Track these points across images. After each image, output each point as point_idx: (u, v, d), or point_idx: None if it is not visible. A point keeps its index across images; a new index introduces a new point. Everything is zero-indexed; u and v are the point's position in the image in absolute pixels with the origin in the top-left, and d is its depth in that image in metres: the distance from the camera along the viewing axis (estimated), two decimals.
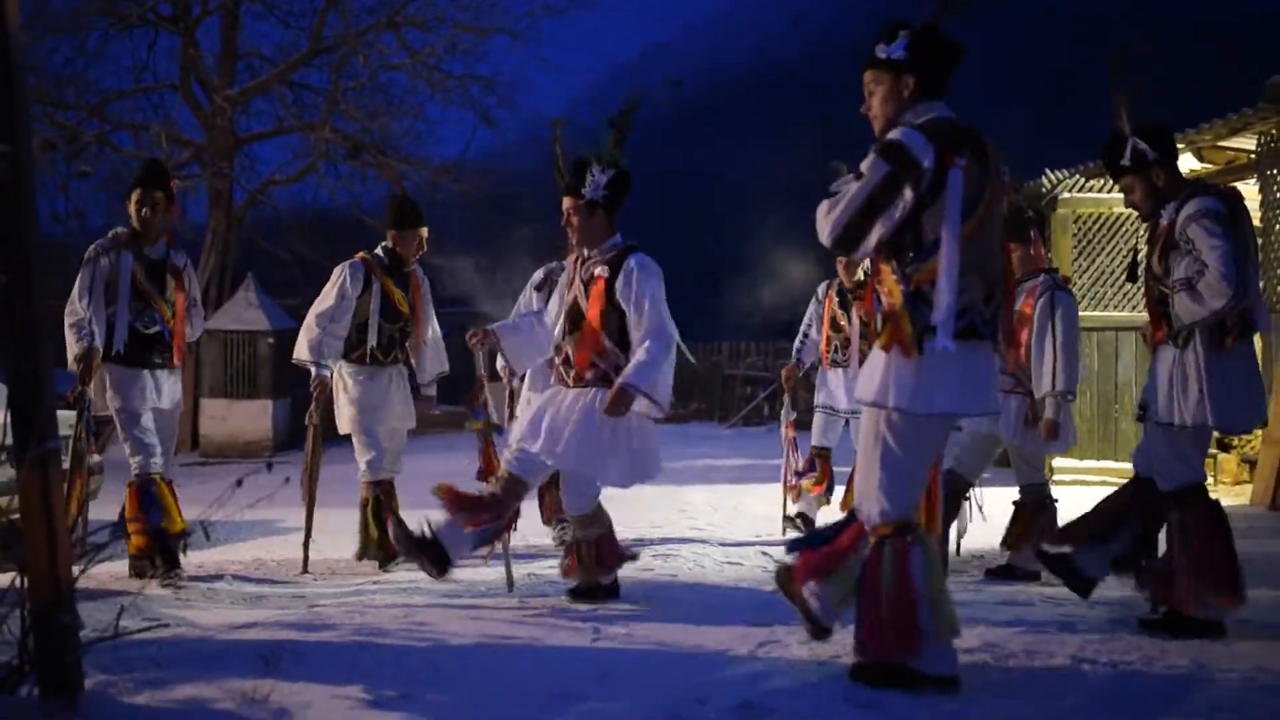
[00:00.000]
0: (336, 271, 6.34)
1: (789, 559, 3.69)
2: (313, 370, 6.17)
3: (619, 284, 4.77)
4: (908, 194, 3.35)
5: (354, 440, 6.33)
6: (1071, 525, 4.74)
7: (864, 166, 3.40)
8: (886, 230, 3.39)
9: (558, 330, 5.00)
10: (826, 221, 3.45)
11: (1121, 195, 4.69)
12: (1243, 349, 4.39)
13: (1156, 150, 4.43)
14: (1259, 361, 4.54)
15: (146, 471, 5.75)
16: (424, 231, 6.47)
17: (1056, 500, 6.00)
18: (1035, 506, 5.89)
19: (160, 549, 5.68)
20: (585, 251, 4.91)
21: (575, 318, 4.88)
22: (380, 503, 6.28)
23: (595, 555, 4.98)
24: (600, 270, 4.80)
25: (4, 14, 2.81)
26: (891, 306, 3.41)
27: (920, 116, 3.46)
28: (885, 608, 3.33)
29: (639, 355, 4.70)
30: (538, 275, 6.65)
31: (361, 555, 6.33)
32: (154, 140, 6.56)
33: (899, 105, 3.54)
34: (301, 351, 6.25)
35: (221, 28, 17.50)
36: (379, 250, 6.45)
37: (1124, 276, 9.99)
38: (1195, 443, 4.42)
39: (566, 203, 4.90)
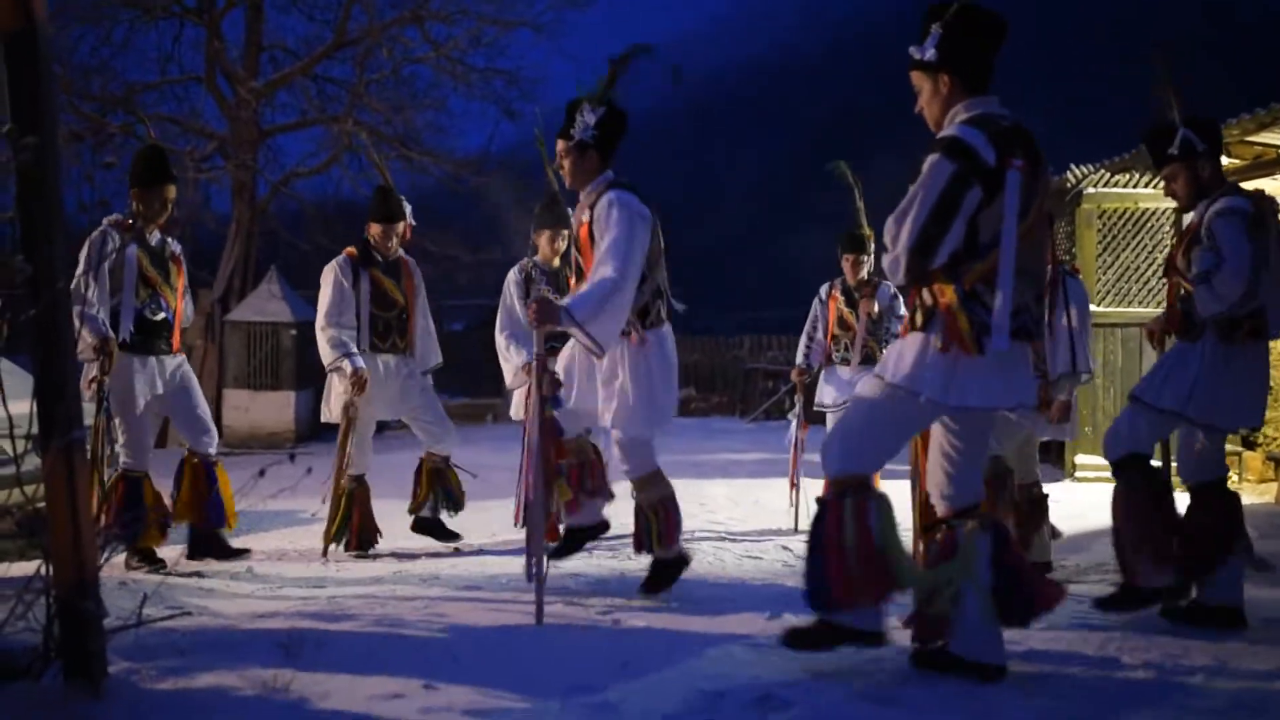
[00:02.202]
0: (326, 270, 6.47)
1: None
2: (346, 366, 6.23)
3: (594, 221, 4.57)
4: (977, 191, 3.29)
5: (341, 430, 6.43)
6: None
7: (926, 167, 3.35)
8: (960, 232, 3.32)
9: (572, 281, 4.89)
10: (901, 235, 3.38)
11: (1147, 190, 4.70)
12: (1252, 348, 4.41)
13: (1205, 142, 4.45)
14: (1268, 366, 4.55)
15: (135, 468, 5.81)
16: (401, 226, 6.51)
17: (1048, 495, 5.99)
18: (1028, 504, 5.85)
19: (125, 539, 5.75)
20: (580, 196, 4.74)
21: (578, 266, 4.76)
22: (354, 496, 6.41)
23: (662, 520, 4.79)
24: (585, 214, 4.65)
25: (32, 5, 2.83)
26: (947, 306, 3.36)
27: (970, 112, 3.42)
28: (851, 560, 3.35)
29: (584, 285, 4.47)
30: (514, 275, 6.48)
31: (326, 546, 6.39)
32: (149, 134, 6.57)
33: (943, 105, 3.49)
34: (327, 353, 6.34)
35: (246, 20, 17.56)
36: (364, 242, 6.54)
37: (1149, 272, 9.95)
38: (1155, 423, 4.48)
39: (559, 145, 4.73)
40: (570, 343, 4.81)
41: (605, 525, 5.04)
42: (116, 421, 5.79)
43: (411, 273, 6.60)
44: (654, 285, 4.69)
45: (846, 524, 3.37)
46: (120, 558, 5.69)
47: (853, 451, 3.46)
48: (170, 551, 5.85)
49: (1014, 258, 3.31)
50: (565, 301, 4.41)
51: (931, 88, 3.51)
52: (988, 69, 3.49)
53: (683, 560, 4.93)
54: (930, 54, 3.47)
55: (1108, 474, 9.31)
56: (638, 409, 4.63)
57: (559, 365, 4.88)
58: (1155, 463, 4.60)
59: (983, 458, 3.62)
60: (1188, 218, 4.61)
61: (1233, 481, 4.59)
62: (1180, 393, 4.38)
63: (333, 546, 6.37)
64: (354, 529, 6.38)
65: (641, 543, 4.85)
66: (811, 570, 3.45)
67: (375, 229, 6.50)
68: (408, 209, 6.56)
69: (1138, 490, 4.44)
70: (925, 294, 3.43)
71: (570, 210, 4.95)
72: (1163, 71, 4.52)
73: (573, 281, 4.84)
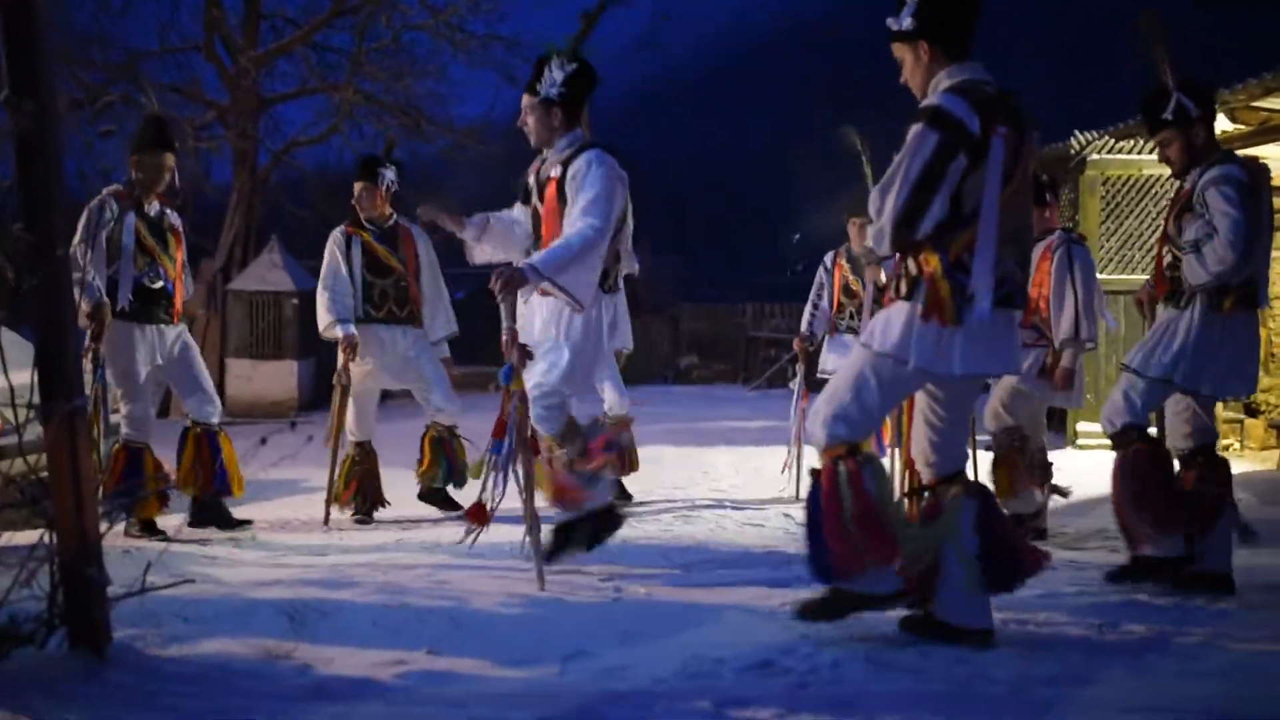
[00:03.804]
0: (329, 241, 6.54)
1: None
2: (339, 332, 6.25)
3: (568, 178, 4.41)
4: (962, 159, 3.29)
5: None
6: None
7: (910, 137, 3.34)
8: (944, 201, 3.31)
9: (527, 242, 4.72)
10: (886, 206, 3.36)
11: (1151, 157, 4.69)
12: (1240, 317, 4.42)
13: (1200, 107, 4.43)
14: (1258, 335, 4.56)
15: (135, 438, 5.82)
16: (359, 186, 6.47)
17: (1053, 463, 6.00)
18: (1014, 451, 5.85)
19: (127, 508, 5.76)
20: (544, 153, 4.60)
21: (537, 226, 4.61)
22: (356, 463, 6.42)
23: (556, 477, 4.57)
24: (555, 171, 4.48)
25: None
26: (930, 275, 3.36)
27: (953, 79, 3.40)
28: (853, 525, 3.35)
29: (555, 240, 4.37)
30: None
31: (339, 505, 6.42)
32: (150, 103, 6.54)
33: (926, 74, 3.47)
34: (321, 319, 6.40)
35: None
36: (352, 208, 6.56)
37: (1152, 239, 9.91)
38: (1147, 392, 4.48)
39: (524, 100, 4.58)
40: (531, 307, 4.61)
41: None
42: (119, 391, 5.80)
43: (412, 239, 6.57)
44: (615, 250, 4.57)
45: (842, 490, 3.38)
46: (120, 527, 5.71)
47: (840, 418, 3.46)
48: (172, 520, 5.87)
49: (996, 226, 3.31)
50: (532, 259, 4.29)
51: (912, 58, 3.49)
52: (968, 34, 3.47)
53: (613, 515, 4.70)
54: (908, 23, 3.46)
55: (1108, 441, 9.33)
56: (564, 364, 4.47)
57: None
58: (1152, 431, 4.61)
59: (966, 425, 3.64)
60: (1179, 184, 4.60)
61: (1235, 449, 4.62)
62: (1168, 360, 4.41)
63: (336, 514, 6.39)
64: (356, 493, 6.40)
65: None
66: (813, 541, 3.45)
67: (355, 189, 6.53)
68: (389, 171, 6.50)
69: (1141, 460, 4.44)
70: (911, 263, 3.43)
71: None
72: (1153, 36, 4.49)
73: (533, 238, 4.70)
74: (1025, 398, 5.82)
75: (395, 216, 6.56)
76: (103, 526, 2.95)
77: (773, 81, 51.77)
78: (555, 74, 4.47)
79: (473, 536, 4.46)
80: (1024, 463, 5.78)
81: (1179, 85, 4.44)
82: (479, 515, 4.36)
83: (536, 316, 4.56)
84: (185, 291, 6.17)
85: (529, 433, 4.43)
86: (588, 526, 4.66)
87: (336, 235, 6.48)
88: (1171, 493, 4.43)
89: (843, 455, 3.43)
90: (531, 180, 4.68)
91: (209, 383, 6.13)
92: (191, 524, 5.91)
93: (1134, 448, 4.46)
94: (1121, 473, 4.47)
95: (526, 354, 4.40)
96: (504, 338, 4.38)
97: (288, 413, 15.11)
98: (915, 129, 3.34)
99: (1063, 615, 3.93)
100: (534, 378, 4.49)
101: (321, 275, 6.47)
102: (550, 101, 4.50)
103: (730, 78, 53.98)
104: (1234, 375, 4.45)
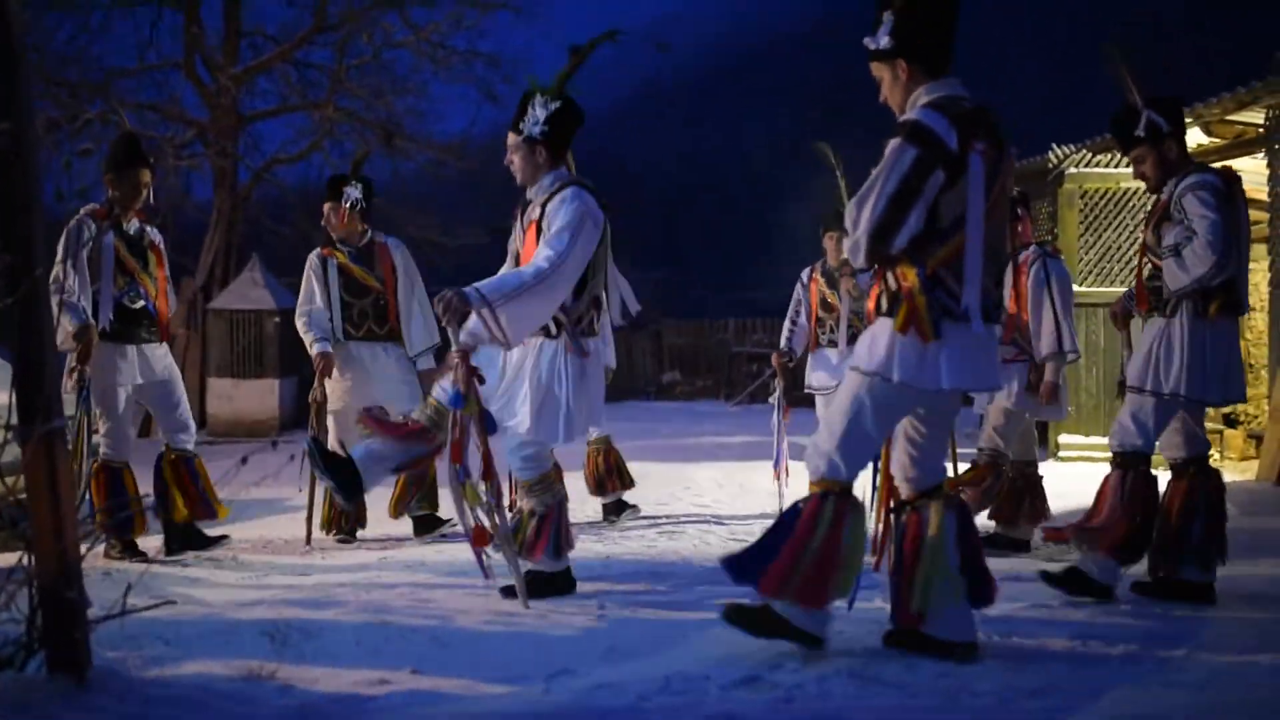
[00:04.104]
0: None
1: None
2: (315, 350, 6.28)
3: (546, 216, 4.36)
4: (939, 175, 3.30)
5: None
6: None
7: (888, 151, 3.35)
8: (920, 216, 3.32)
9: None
10: (861, 219, 3.36)
11: (1129, 170, 4.71)
12: (1224, 323, 4.46)
13: (1170, 123, 4.47)
14: (1239, 340, 4.60)
15: (115, 458, 5.77)
16: (326, 206, 6.45)
17: (1043, 476, 6.03)
18: (1024, 483, 5.89)
19: (115, 530, 5.74)
20: (529, 193, 4.55)
21: (516, 263, 4.54)
22: None
23: (534, 530, 4.52)
24: (535, 214, 4.43)
25: None
26: (909, 290, 3.37)
27: (931, 95, 3.42)
28: (810, 561, 3.35)
29: (509, 272, 4.28)
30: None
31: (324, 528, 6.38)
32: (121, 121, 6.51)
33: (904, 91, 3.49)
34: (305, 340, 6.43)
35: (225, 5, 17.41)
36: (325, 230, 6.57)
37: (1130, 252, 9.99)
38: (1158, 410, 4.48)
39: (509, 139, 4.52)
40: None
41: None
42: (97, 411, 5.75)
43: (388, 255, 6.53)
44: (592, 294, 4.52)
45: (820, 524, 3.39)
46: (100, 549, 5.66)
47: (839, 453, 3.45)
48: (152, 541, 5.83)
49: (981, 242, 3.33)
50: (480, 284, 4.16)
51: (891, 76, 3.50)
52: (946, 51, 3.47)
53: (567, 579, 4.59)
54: (885, 42, 3.47)
55: (1090, 452, 9.40)
56: (547, 414, 4.40)
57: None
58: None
59: (947, 439, 3.65)
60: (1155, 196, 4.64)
61: (1214, 459, 4.64)
62: (1176, 374, 4.40)
63: (318, 534, 6.35)
64: (337, 513, 6.36)
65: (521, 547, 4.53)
66: (761, 546, 3.46)
67: (324, 209, 6.53)
68: (353, 189, 6.46)
69: (1142, 488, 4.45)
70: (889, 278, 3.44)
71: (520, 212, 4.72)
72: (1115, 55, 4.53)
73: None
74: (1016, 418, 5.86)
75: (370, 233, 6.52)
76: (83, 548, 2.92)
77: (758, 93, 51.94)
78: (539, 112, 4.42)
79: (486, 561, 4.33)
80: (996, 486, 5.82)
81: (1148, 102, 4.49)
82: (481, 538, 4.30)
83: (513, 355, 4.48)
84: (169, 308, 6.14)
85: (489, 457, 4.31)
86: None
87: (313, 259, 6.50)
88: (1150, 523, 4.46)
89: (835, 492, 3.43)
90: (516, 225, 4.65)
91: (187, 411, 6.07)
92: (168, 552, 5.82)
93: (1137, 474, 4.46)
94: (1121, 497, 4.45)
95: (478, 377, 4.27)
96: (452, 359, 4.24)
97: (269, 431, 15.03)
98: (893, 143, 3.36)
99: (1046, 627, 3.93)
100: (515, 427, 4.46)
101: (299, 301, 6.49)
102: (534, 140, 4.45)
103: (712, 91, 54.14)
104: (1232, 381, 4.48)
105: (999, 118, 3.48)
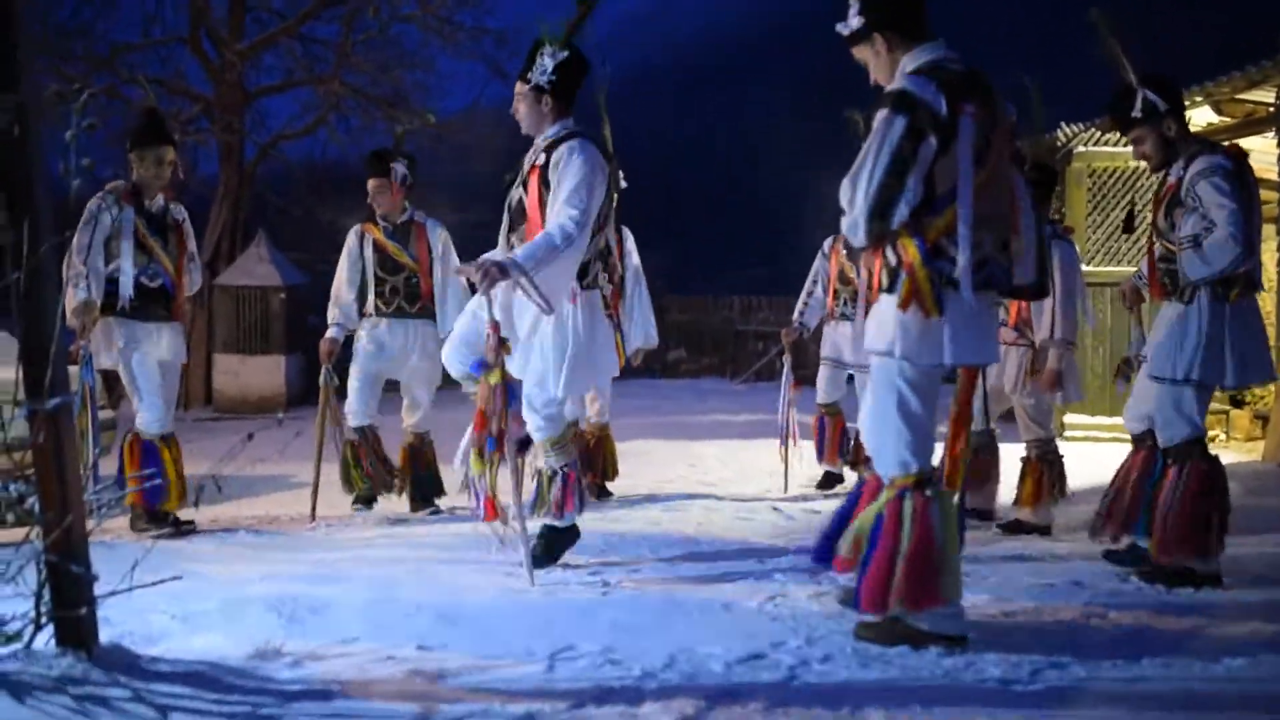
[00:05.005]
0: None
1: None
2: (329, 333, 6.45)
3: (550, 165, 4.39)
4: (932, 142, 3.23)
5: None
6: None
7: (877, 123, 3.28)
8: (917, 186, 3.25)
9: (503, 227, 4.69)
10: (857, 196, 3.28)
11: None
12: (1246, 304, 4.41)
13: (1167, 101, 4.42)
14: (1261, 319, 4.56)
15: (152, 431, 5.80)
16: (385, 182, 6.48)
17: (1063, 456, 6.00)
18: (1043, 463, 5.88)
19: (148, 509, 5.77)
20: (536, 139, 4.57)
21: (518, 211, 4.58)
22: (355, 448, 6.46)
23: (559, 488, 4.59)
24: (539, 159, 4.46)
25: None
26: (909, 263, 3.30)
27: (917, 61, 3.35)
28: (904, 563, 3.26)
29: (538, 236, 4.29)
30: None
31: (354, 500, 6.54)
32: (146, 96, 6.55)
33: (889, 64, 3.43)
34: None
35: None
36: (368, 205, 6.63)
37: (1140, 231, 9.97)
38: (1197, 397, 4.40)
39: (516, 88, 4.57)
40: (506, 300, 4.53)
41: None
42: (134, 390, 5.79)
43: (424, 234, 6.57)
44: (599, 244, 4.54)
45: (905, 523, 3.29)
46: (116, 522, 5.69)
47: (903, 448, 3.35)
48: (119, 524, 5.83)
49: (972, 208, 3.26)
50: (515, 253, 4.23)
51: (872, 54, 3.46)
52: (918, 14, 3.41)
53: (575, 532, 4.70)
54: (856, 23, 3.44)
55: (1096, 433, 9.39)
56: (556, 369, 4.42)
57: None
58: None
59: (934, 416, 3.52)
60: (1162, 176, 4.58)
61: (1220, 440, 4.64)
62: (1189, 358, 4.32)
63: (323, 509, 6.38)
64: (365, 477, 6.45)
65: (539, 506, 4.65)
66: (861, 565, 3.36)
67: (369, 185, 6.57)
68: (400, 165, 6.51)
69: (1200, 477, 4.35)
70: (890, 253, 3.37)
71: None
72: (1105, 34, 4.46)
73: (505, 221, 4.68)
74: (1041, 400, 5.81)
75: (410, 211, 6.57)
76: (90, 523, 2.93)
77: (763, 72, 51.66)
78: (546, 61, 4.46)
79: (498, 535, 4.42)
80: (1050, 478, 5.79)
81: (1142, 80, 4.42)
82: (492, 511, 4.34)
83: (526, 315, 4.50)
84: (191, 286, 6.15)
85: (507, 428, 4.37)
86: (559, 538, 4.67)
87: (351, 236, 6.58)
88: (1224, 512, 4.38)
89: (911, 486, 3.34)
90: (518, 180, 4.64)
91: (172, 398, 6.06)
92: (133, 528, 5.83)
93: (1194, 463, 4.37)
94: (1177, 489, 4.35)
95: (506, 348, 4.33)
96: (486, 331, 4.30)
97: (275, 408, 15.06)
98: (882, 114, 3.28)
99: (1051, 606, 3.94)
100: (530, 385, 4.49)
101: (337, 276, 6.59)
102: (541, 89, 4.48)
103: (719, 71, 53.87)
104: (1252, 363, 4.38)
105: (991, 80, 3.40)
